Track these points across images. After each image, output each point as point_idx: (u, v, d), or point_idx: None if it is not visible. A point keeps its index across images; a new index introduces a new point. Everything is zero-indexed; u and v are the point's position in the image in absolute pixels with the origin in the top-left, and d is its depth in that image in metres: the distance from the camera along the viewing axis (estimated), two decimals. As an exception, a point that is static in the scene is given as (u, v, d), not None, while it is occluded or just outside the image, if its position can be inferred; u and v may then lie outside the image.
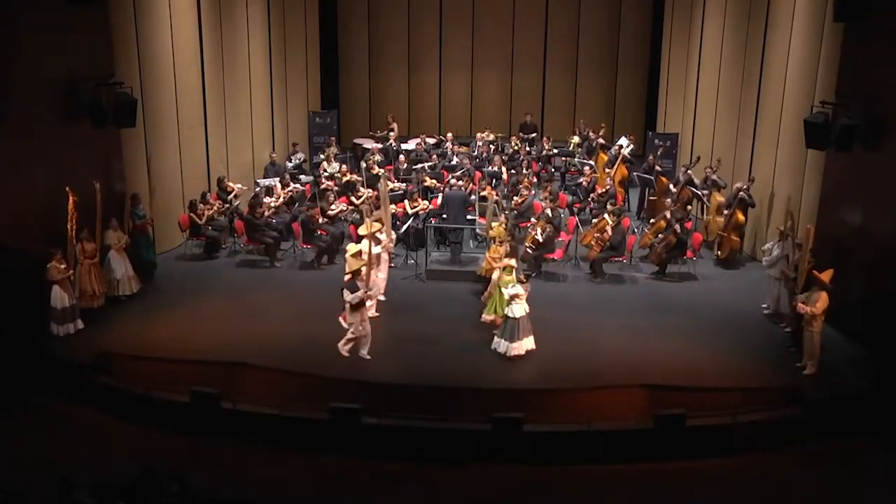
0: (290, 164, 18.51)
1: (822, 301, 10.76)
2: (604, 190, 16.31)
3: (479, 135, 20.31)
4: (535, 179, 17.90)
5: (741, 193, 14.69)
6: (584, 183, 17.28)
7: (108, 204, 12.84)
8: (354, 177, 17.26)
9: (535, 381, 10.91)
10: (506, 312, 11.48)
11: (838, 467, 10.01)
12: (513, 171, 18.30)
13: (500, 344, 11.52)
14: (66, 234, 11.98)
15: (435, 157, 19.03)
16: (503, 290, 11.57)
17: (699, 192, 16.06)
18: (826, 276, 10.85)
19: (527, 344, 11.47)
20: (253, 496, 8.99)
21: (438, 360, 11.35)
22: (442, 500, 9.61)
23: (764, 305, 13.00)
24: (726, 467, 10.04)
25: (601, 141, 19.42)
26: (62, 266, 11.66)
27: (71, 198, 11.97)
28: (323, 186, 16.74)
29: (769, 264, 12.86)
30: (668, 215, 14.53)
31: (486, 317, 12.05)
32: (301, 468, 9.91)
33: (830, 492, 9.61)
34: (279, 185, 16.69)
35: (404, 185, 16.86)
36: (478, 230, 15.41)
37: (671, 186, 16.46)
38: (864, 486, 9.62)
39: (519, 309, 11.38)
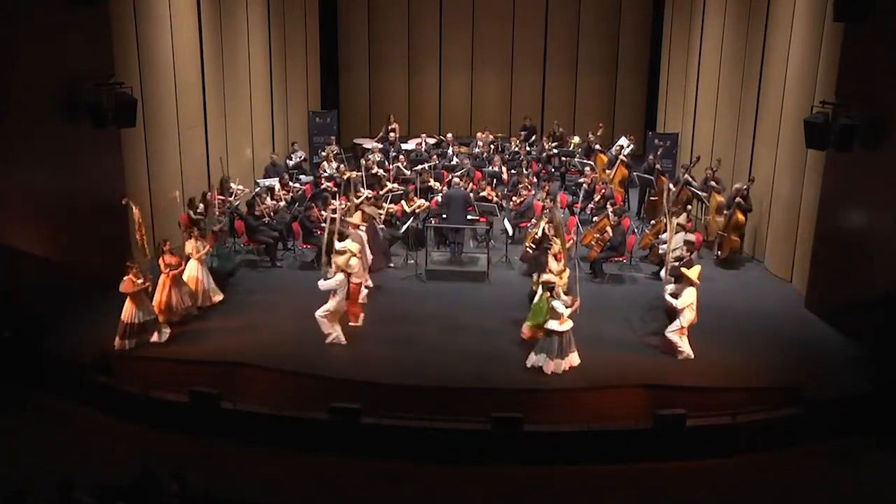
0: (290, 163, 18.52)
1: (689, 294, 11.18)
2: (599, 196, 16.30)
3: (479, 135, 20.30)
4: (535, 179, 17.91)
5: (738, 198, 14.69)
6: (584, 185, 17.26)
7: (111, 208, 12.77)
8: (354, 174, 17.23)
9: (535, 381, 10.90)
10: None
11: (838, 467, 10.01)
12: (513, 172, 18.30)
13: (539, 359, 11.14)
14: (137, 245, 11.98)
15: (435, 157, 19.03)
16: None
17: (699, 192, 16.05)
18: (694, 273, 11.23)
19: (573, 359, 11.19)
20: (253, 496, 8.98)
21: (438, 360, 11.34)
22: (442, 500, 9.61)
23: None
24: (726, 467, 10.04)
25: (596, 144, 19.39)
26: (139, 280, 11.28)
27: (134, 208, 11.94)
28: (322, 187, 16.72)
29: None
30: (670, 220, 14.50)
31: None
32: (301, 468, 9.91)
33: (830, 492, 9.61)
34: (279, 186, 16.68)
35: (404, 184, 16.86)
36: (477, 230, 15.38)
37: (671, 186, 16.44)
38: (864, 486, 9.62)
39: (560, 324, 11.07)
